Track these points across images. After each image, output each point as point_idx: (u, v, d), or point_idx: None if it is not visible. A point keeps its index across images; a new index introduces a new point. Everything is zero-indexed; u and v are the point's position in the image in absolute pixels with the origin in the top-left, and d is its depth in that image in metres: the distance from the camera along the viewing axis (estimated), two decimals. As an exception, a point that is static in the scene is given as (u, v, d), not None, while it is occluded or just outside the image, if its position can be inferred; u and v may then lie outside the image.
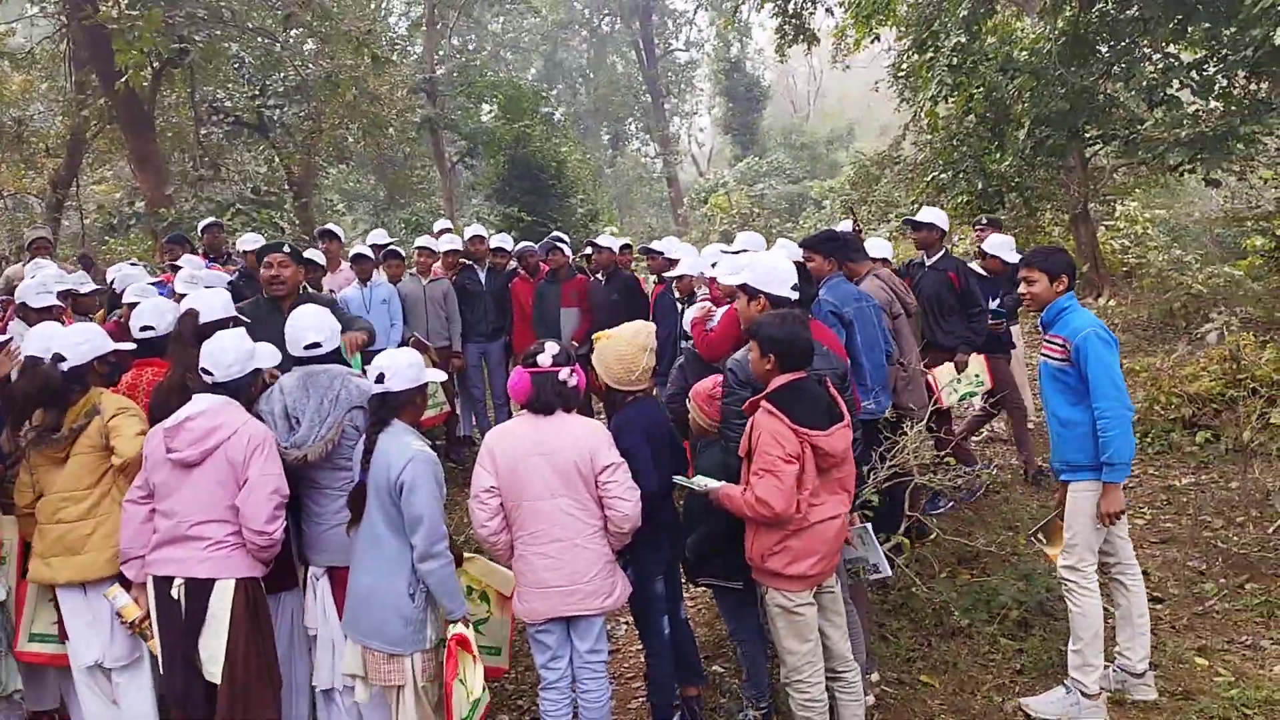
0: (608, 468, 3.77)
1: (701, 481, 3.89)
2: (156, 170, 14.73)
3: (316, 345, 4.03)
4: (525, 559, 3.83)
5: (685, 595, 4.87)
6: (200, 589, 3.63)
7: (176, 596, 3.64)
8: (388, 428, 3.70)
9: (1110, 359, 4.05)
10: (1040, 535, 4.63)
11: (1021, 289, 4.35)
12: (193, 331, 4.36)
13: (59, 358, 4.02)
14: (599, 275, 8.51)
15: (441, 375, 4.19)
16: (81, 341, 4.13)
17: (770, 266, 4.14)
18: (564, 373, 3.86)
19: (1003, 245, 7.27)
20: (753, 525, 3.69)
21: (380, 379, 3.70)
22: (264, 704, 3.68)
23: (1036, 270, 4.26)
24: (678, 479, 4.02)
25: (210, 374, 3.84)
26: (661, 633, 4.21)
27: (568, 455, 3.76)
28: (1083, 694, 4.14)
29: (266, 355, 4.07)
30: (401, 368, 3.72)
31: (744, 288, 4.19)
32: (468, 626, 3.66)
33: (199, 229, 9.11)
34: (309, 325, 4.05)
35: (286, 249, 5.36)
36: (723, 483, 3.80)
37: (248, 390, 3.96)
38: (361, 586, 3.67)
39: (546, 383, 3.85)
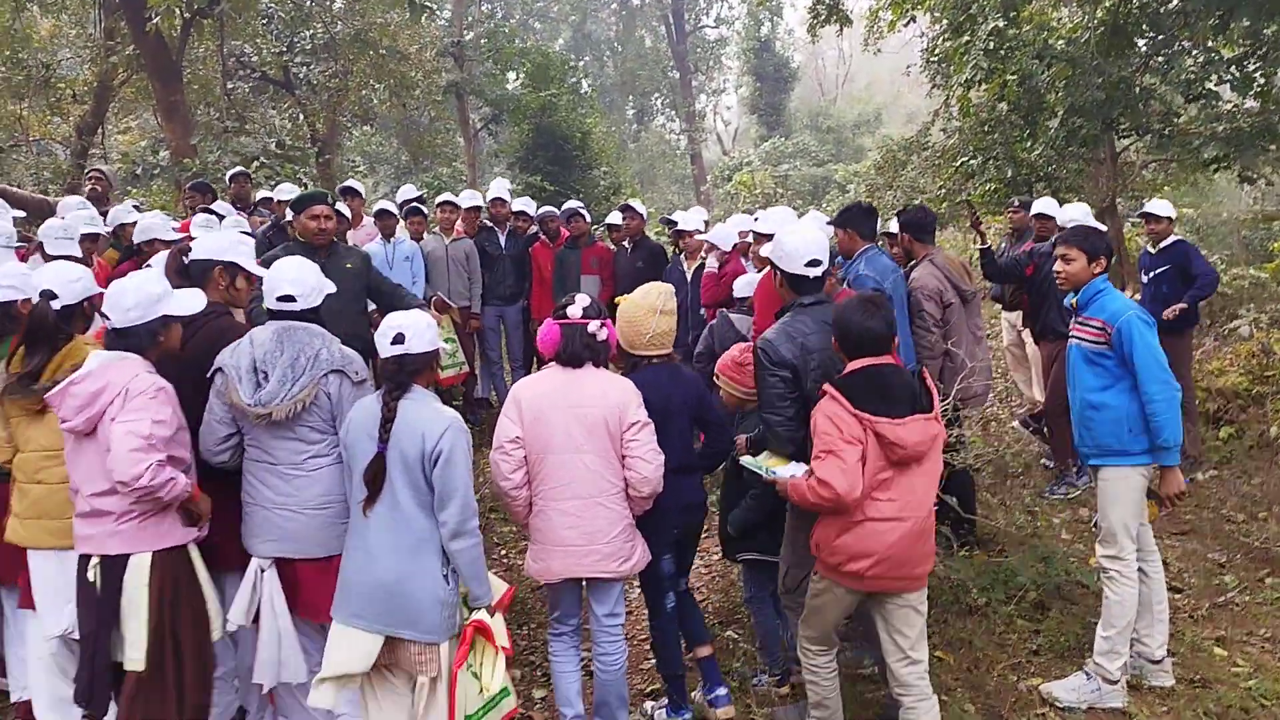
0: (634, 424, 3.67)
1: (768, 467, 3.74)
2: (183, 121, 14.72)
3: (290, 299, 3.64)
4: (544, 514, 3.73)
5: (699, 563, 4.86)
6: (114, 566, 3.31)
7: (93, 578, 3.32)
8: (409, 393, 3.35)
9: (1154, 341, 4.00)
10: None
11: (1058, 266, 4.30)
12: (175, 269, 4.13)
13: (50, 294, 3.69)
14: (625, 243, 8.42)
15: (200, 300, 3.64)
16: (75, 279, 3.86)
17: (786, 242, 3.95)
18: (594, 325, 3.75)
19: (1048, 205, 7.40)
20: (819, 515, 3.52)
21: (399, 339, 3.36)
22: (195, 689, 3.38)
23: (1075, 249, 4.20)
24: (745, 460, 3.89)
25: (107, 318, 3.42)
26: (666, 609, 4.11)
27: (596, 410, 3.66)
28: (1105, 679, 4.12)
29: (186, 301, 3.59)
30: (421, 328, 3.41)
31: (768, 260, 4.14)
32: (492, 615, 3.38)
33: (226, 178, 9.10)
34: (288, 278, 3.66)
35: (330, 199, 5.37)
36: (791, 472, 3.62)
37: (154, 341, 3.47)
38: (387, 573, 3.25)
39: (576, 334, 3.74)
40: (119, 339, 3.42)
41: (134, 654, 3.29)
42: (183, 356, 3.63)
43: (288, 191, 8.28)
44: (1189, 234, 15.17)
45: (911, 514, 3.39)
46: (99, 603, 3.31)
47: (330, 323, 5.21)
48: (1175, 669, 4.33)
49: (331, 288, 3.86)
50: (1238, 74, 10.48)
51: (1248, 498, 6.33)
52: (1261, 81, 10.40)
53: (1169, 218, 7.15)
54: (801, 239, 3.92)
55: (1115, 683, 4.11)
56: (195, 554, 3.49)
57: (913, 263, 5.71)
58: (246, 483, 3.64)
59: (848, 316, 3.48)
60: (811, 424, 3.47)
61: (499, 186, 9.07)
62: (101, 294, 3.76)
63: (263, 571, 3.58)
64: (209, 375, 3.62)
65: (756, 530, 4.14)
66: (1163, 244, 7.13)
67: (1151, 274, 7.12)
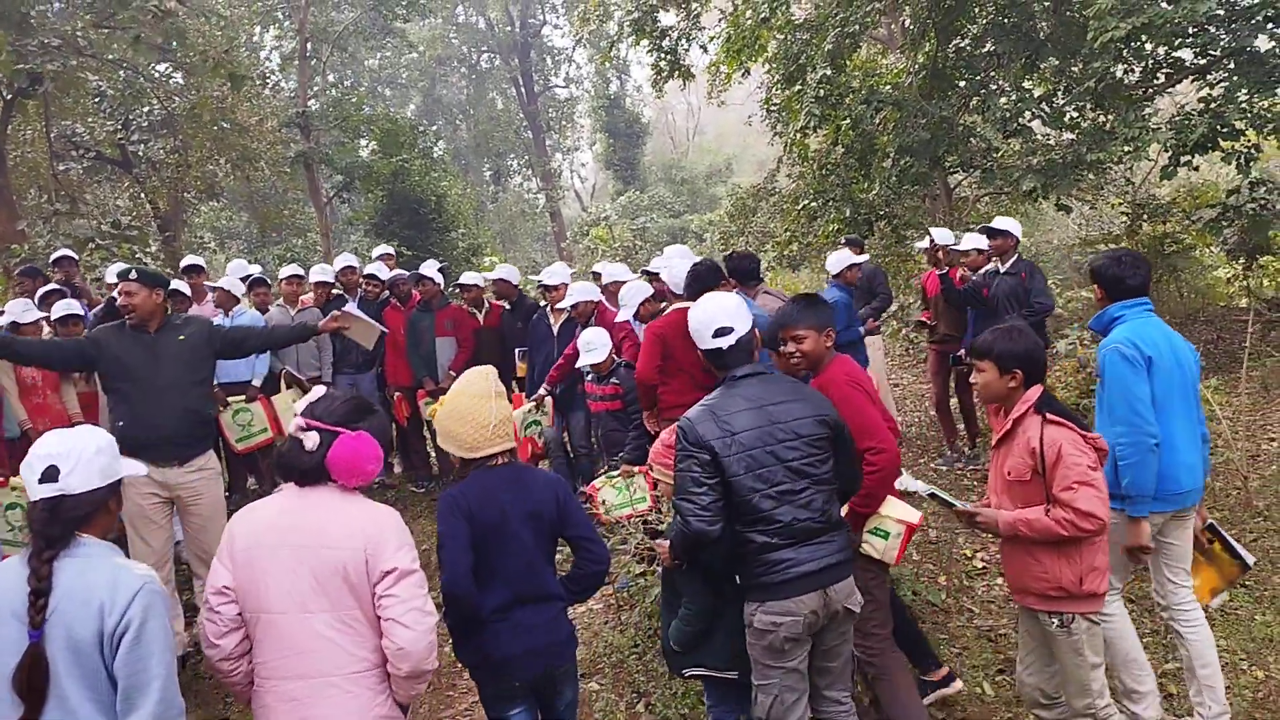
0: (390, 574, 2.62)
1: (959, 502, 3.44)
2: (8, 205, 14.03)
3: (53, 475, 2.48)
4: (260, 698, 2.70)
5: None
6: None
7: None
8: (72, 549, 2.43)
9: (1131, 379, 3.68)
10: None
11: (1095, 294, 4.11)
12: None
13: None
14: (506, 304, 8.56)
15: (141, 469, 2.81)
16: None
17: (692, 317, 3.50)
18: (302, 433, 2.77)
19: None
20: (1054, 551, 3.25)
21: (50, 475, 2.44)
22: None
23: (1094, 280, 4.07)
24: (933, 490, 3.49)
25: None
26: None
27: (331, 551, 2.62)
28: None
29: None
30: (86, 456, 2.49)
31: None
32: None
33: (50, 263, 8.72)
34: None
35: (134, 274, 5.14)
36: (988, 509, 3.39)
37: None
38: None
39: (293, 443, 2.77)
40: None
41: None
42: None
43: (115, 273, 7.99)
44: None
45: None
46: None
47: (163, 401, 5.08)
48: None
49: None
50: (1049, 109, 11.24)
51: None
52: (1072, 114, 11.17)
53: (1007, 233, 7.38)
54: (703, 310, 3.44)
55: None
56: None
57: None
58: None
59: (1033, 341, 3.39)
60: (1044, 453, 3.22)
61: (347, 257, 9.01)
62: None
63: None
64: None
65: (700, 642, 3.49)
66: (1010, 262, 7.30)
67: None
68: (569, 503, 3.25)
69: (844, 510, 3.55)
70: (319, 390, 2.92)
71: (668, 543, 3.40)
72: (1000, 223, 7.47)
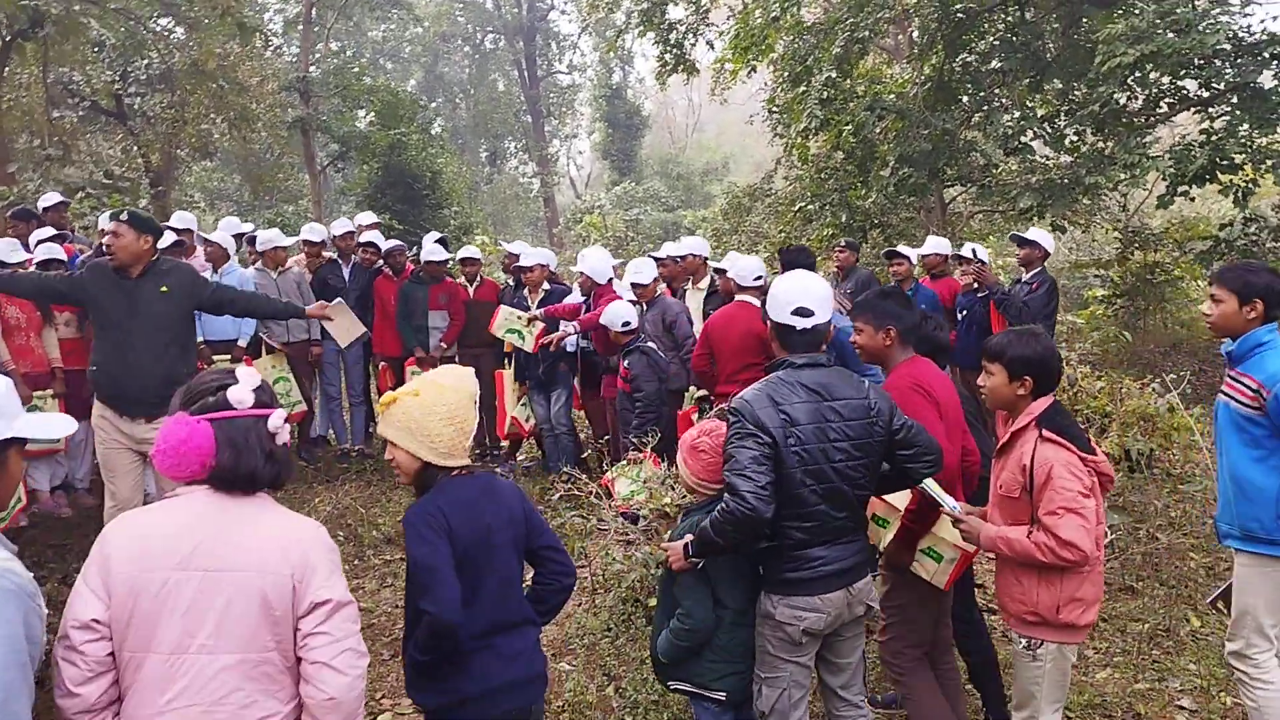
0: (320, 606, 2.15)
1: (951, 502, 3.29)
2: (0, 147, 13.90)
3: None
4: None
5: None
6: None
7: None
8: None
9: None
10: (1221, 604, 3.84)
11: (1205, 307, 3.61)
12: None
13: None
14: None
15: (69, 427, 2.31)
16: None
17: (775, 285, 3.34)
18: (274, 419, 2.27)
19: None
20: (1035, 574, 3.11)
21: None
22: None
23: (1225, 289, 3.47)
24: (927, 482, 3.27)
25: None
26: None
27: (247, 576, 2.12)
28: None
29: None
30: None
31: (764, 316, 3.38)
32: None
33: (40, 208, 8.60)
34: None
35: (125, 216, 5.02)
36: (951, 505, 3.26)
37: None
38: None
39: (247, 435, 2.21)
40: None
41: None
42: None
43: (106, 220, 7.91)
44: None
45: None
46: None
47: (136, 360, 4.93)
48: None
49: None
50: (1050, 130, 11.31)
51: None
52: (1073, 137, 11.24)
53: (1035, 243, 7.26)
54: (792, 283, 3.27)
55: None
56: None
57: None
58: None
59: (1045, 346, 3.17)
60: (1033, 472, 3.07)
61: (344, 223, 8.96)
62: None
63: None
64: None
65: (687, 656, 3.26)
66: (1033, 273, 7.21)
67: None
68: (532, 511, 2.86)
69: (896, 529, 3.53)
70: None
71: (680, 544, 3.18)
72: (1032, 233, 7.35)
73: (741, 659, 3.23)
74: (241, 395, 2.23)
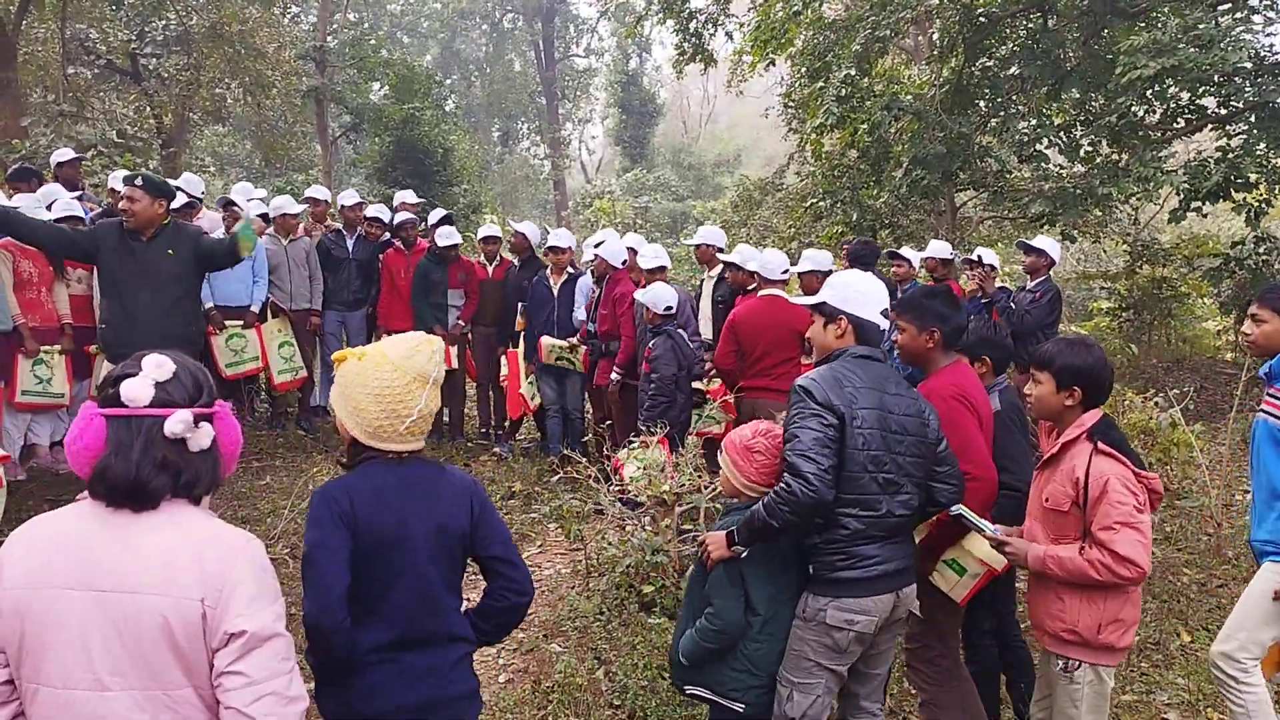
0: (236, 639, 1.76)
1: (991, 527, 3.17)
2: (14, 100, 13.85)
3: None
4: None
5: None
6: None
7: None
8: None
9: None
10: None
11: (1246, 326, 3.55)
12: None
13: None
14: (516, 261, 8.51)
15: None
16: None
17: (855, 284, 3.29)
18: (179, 421, 1.85)
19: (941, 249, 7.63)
20: (1080, 592, 3.02)
21: None
22: None
23: (1268, 309, 3.44)
24: (961, 510, 3.15)
25: None
26: None
27: (152, 597, 1.76)
28: None
29: None
30: None
31: (822, 307, 3.28)
32: None
33: (53, 163, 8.56)
34: None
35: (140, 180, 5.11)
36: (1024, 541, 3.13)
37: None
38: None
39: (138, 437, 1.83)
40: None
41: None
42: None
43: (118, 179, 7.90)
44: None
45: None
46: None
47: (143, 321, 5.03)
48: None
49: None
50: (1066, 139, 11.28)
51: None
52: (1088, 148, 11.22)
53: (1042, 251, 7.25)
54: (874, 283, 3.28)
55: None
56: None
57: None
58: None
59: (1100, 359, 3.10)
60: (1088, 486, 2.98)
61: (352, 194, 8.94)
62: None
63: None
64: None
65: (708, 660, 3.12)
66: (1037, 281, 7.22)
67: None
68: (485, 513, 2.45)
69: (923, 534, 3.44)
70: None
71: (722, 534, 3.06)
72: (1039, 241, 7.32)
73: (768, 674, 3.11)
74: (135, 392, 1.84)
